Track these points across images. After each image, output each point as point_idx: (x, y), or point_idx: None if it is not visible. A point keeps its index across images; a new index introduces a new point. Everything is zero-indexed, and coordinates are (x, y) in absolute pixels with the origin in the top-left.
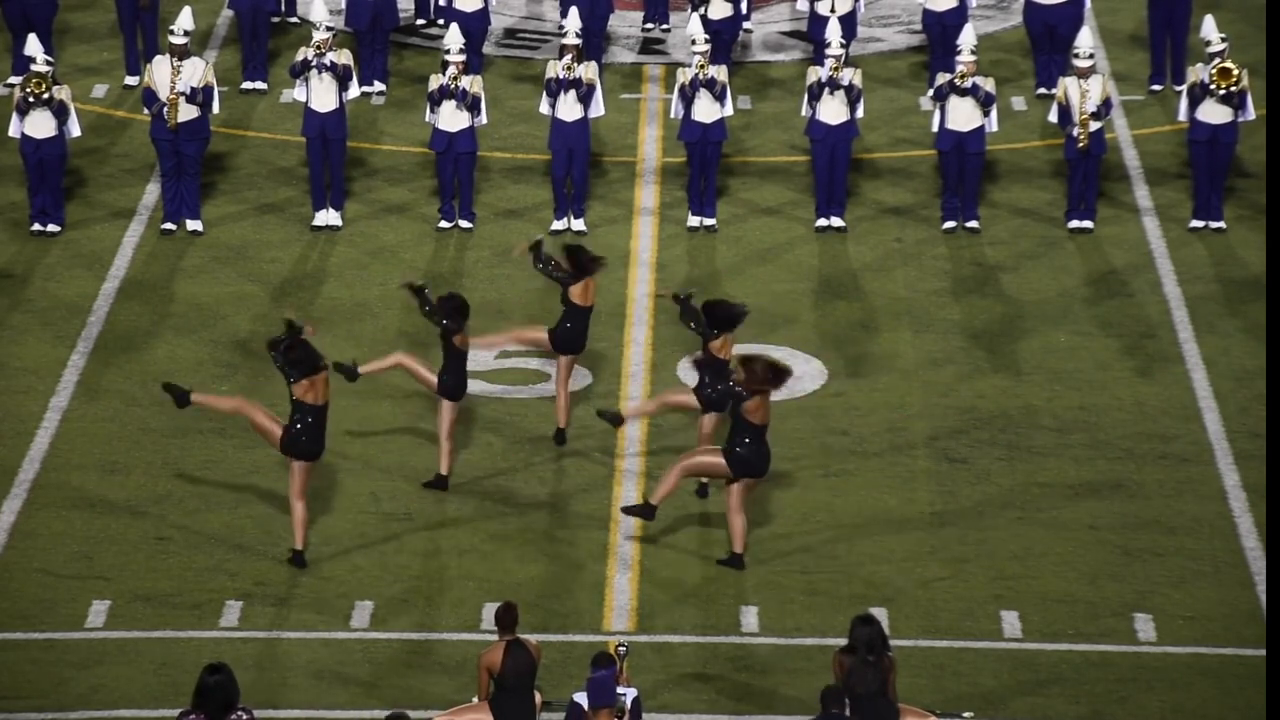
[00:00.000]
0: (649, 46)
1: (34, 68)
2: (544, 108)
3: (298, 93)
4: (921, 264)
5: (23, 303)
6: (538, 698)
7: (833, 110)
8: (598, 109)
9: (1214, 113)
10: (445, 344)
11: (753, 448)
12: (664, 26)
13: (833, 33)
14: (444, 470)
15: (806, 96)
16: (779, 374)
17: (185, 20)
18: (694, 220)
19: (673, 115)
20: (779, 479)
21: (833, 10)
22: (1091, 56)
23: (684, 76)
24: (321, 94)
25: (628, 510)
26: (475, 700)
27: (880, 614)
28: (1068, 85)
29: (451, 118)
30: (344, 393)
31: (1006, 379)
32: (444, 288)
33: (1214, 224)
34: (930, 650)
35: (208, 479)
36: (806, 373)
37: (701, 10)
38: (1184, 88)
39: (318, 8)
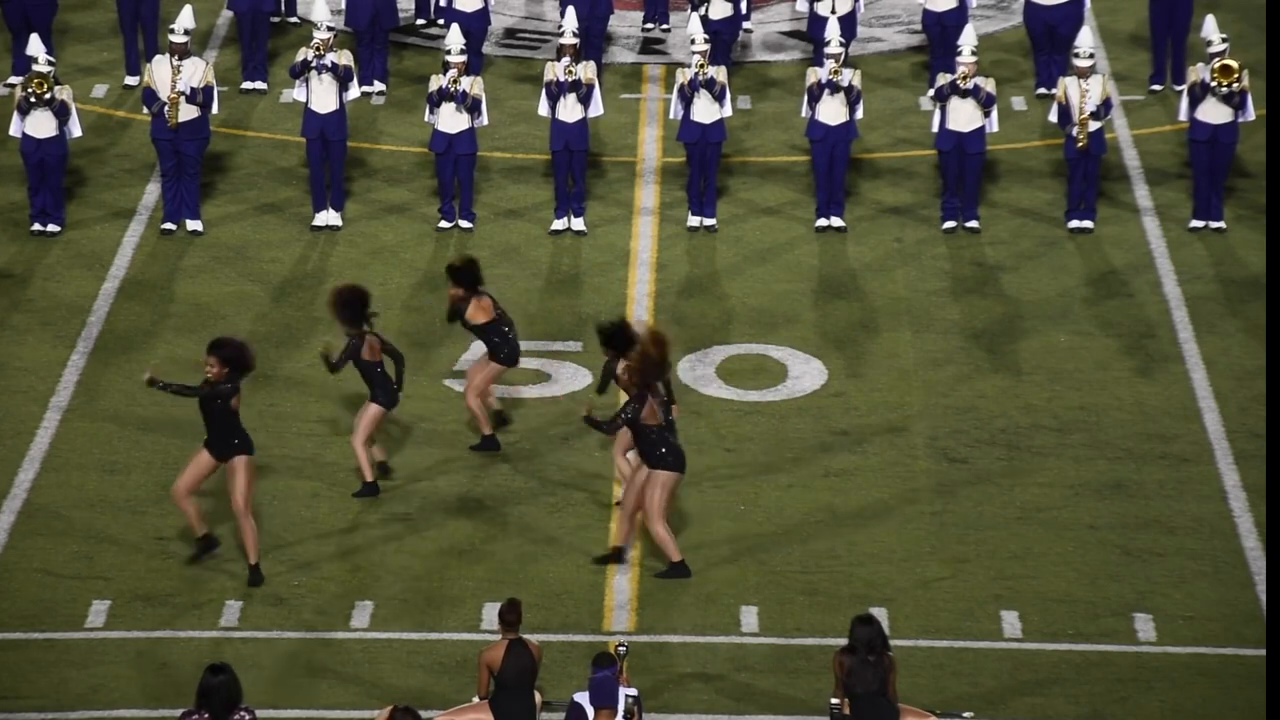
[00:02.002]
0: (649, 46)
1: (35, 68)
2: (543, 109)
3: (298, 93)
4: (921, 264)
5: (23, 303)
6: (538, 698)
7: (832, 111)
8: (597, 109)
9: (1214, 112)
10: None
11: (672, 445)
12: (664, 26)
13: (832, 33)
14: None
15: (806, 97)
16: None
17: (185, 19)
18: (694, 220)
19: (672, 115)
20: (779, 479)
21: (833, 10)
22: (1091, 56)
23: (683, 76)
24: (321, 94)
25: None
26: (475, 699)
27: (880, 614)
28: (1068, 85)
29: (451, 119)
30: (344, 395)
31: (1006, 379)
32: (443, 288)
33: (1214, 224)
34: (930, 650)
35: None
36: (806, 373)
37: (701, 10)
38: (1184, 87)
39: (318, 8)
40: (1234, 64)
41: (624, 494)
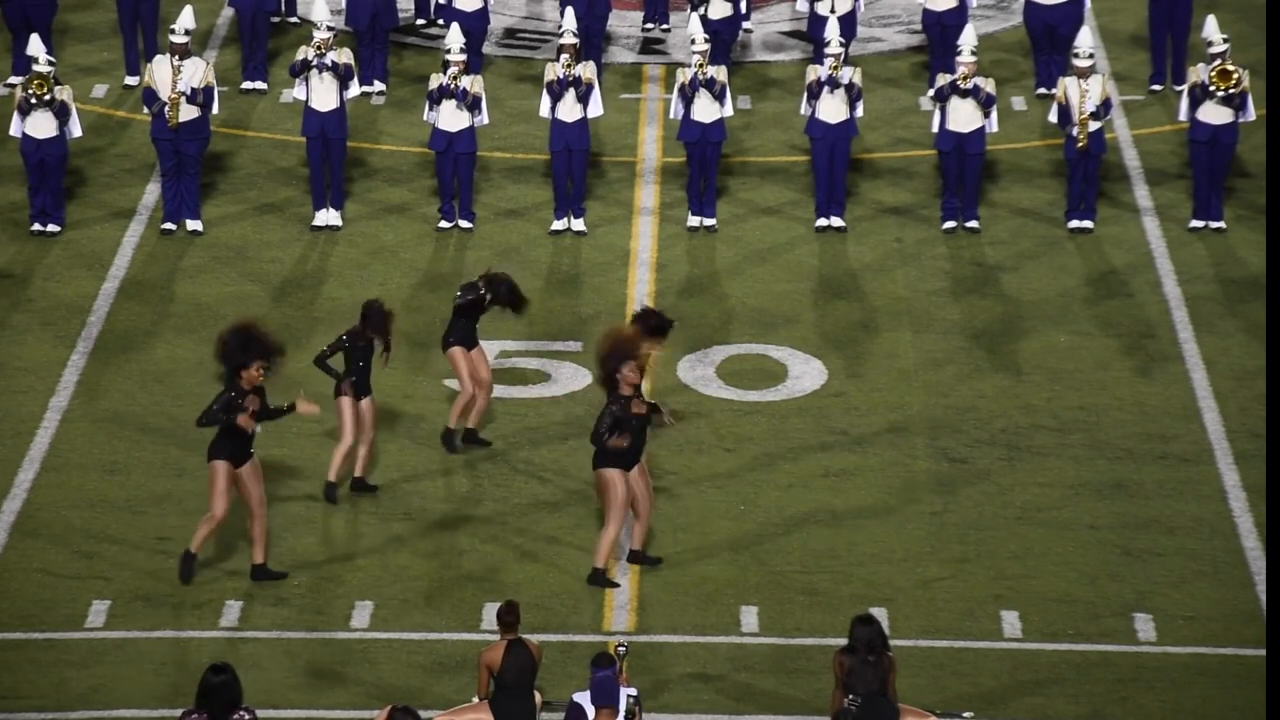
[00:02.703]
0: (649, 46)
1: (36, 68)
2: (544, 110)
3: (298, 92)
4: (921, 264)
5: (23, 303)
6: (538, 698)
7: (832, 109)
8: (597, 109)
9: (1214, 113)
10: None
11: None
12: (664, 26)
13: (832, 32)
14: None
15: (806, 95)
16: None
17: (186, 19)
18: (694, 220)
19: (672, 115)
20: (779, 479)
21: (832, 10)
22: (1091, 56)
23: (684, 76)
24: (322, 94)
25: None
26: (475, 700)
27: (880, 614)
28: (1068, 85)
29: (451, 117)
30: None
31: (1006, 379)
32: (444, 288)
33: (1214, 224)
34: (930, 650)
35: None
36: (806, 373)
37: (701, 10)
38: (1184, 88)
39: (318, 8)
40: (1232, 68)
41: (629, 502)
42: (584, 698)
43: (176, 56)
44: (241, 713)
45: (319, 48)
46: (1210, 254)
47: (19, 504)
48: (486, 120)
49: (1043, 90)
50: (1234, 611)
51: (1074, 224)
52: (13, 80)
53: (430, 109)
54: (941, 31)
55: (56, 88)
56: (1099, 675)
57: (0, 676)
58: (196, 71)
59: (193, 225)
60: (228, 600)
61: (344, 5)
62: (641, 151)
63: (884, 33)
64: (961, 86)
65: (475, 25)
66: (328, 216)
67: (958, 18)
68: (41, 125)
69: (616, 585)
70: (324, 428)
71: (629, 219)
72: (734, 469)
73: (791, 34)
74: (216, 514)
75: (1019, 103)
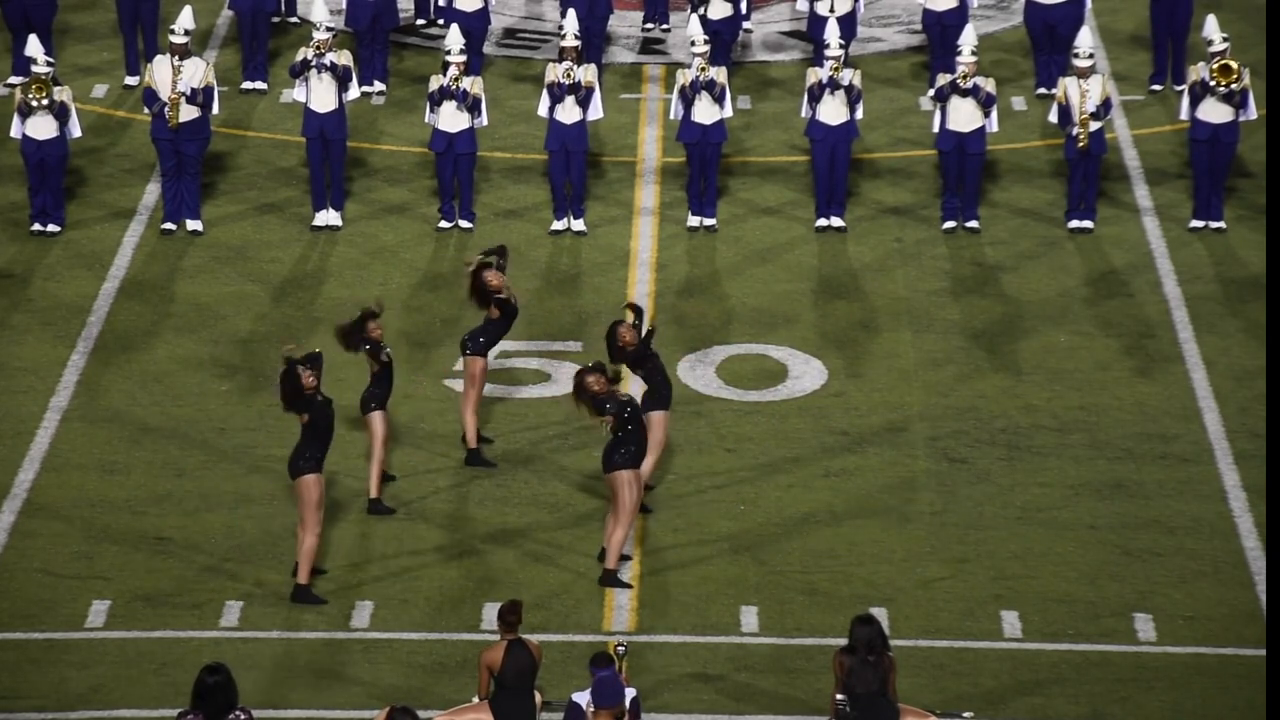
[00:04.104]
0: (649, 46)
1: (35, 69)
2: (542, 110)
3: (298, 93)
4: (921, 264)
5: (23, 303)
6: (538, 697)
7: (832, 110)
8: (597, 112)
9: (1215, 112)
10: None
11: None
12: (664, 26)
13: (832, 33)
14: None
15: (806, 97)
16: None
17: (186, 20)
18: (694, 220)
19: (672, 116)
20: (779, 479)
21: (832, 10)
22: (1091, 56)
23: (684, 78)
24: (321, 94)
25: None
26: (475, 700)
27: (880, 614)
28: (1068, 85)
29: (451, 118)
30: (343, 396)
31: (1006, 379)
32: (444, 288)
33: (1214, 224)
34: (930, 650)
35: (208, 478)
36: (806, 373)
37: (701, 10)
38: (1185, 87)
39: (318, 8)
40: (1234, 64)
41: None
42: (583, 697)
43: (176, 56)
44: (237, 713)
45: (318, 48)
46: (1210, 254)
47: (19, 504)
48: (485, 122)
49: (1043, 90)
50: (1234, 611)
51: (1074, 224)
52: (13, 80)
53: (431, 111)
54: (941, 31)
55: (56, 88)
56: (1099, 675)
57: (0, 676)
58: (196, 71)
59: (193, 225)
60: (227, 600)
61: (344, 5)
62: (641, 151)
63: (884, 33)
64: (961, 86)
65: (475, 25)
66: (328, 217)
67: (958, 18)
68: (42, 126)
69: (629, 586)
70: None
71: (629, 219)
72: (734, 469)
73: (791, 34)
74: (317, 530)
75: (1019, 103)
